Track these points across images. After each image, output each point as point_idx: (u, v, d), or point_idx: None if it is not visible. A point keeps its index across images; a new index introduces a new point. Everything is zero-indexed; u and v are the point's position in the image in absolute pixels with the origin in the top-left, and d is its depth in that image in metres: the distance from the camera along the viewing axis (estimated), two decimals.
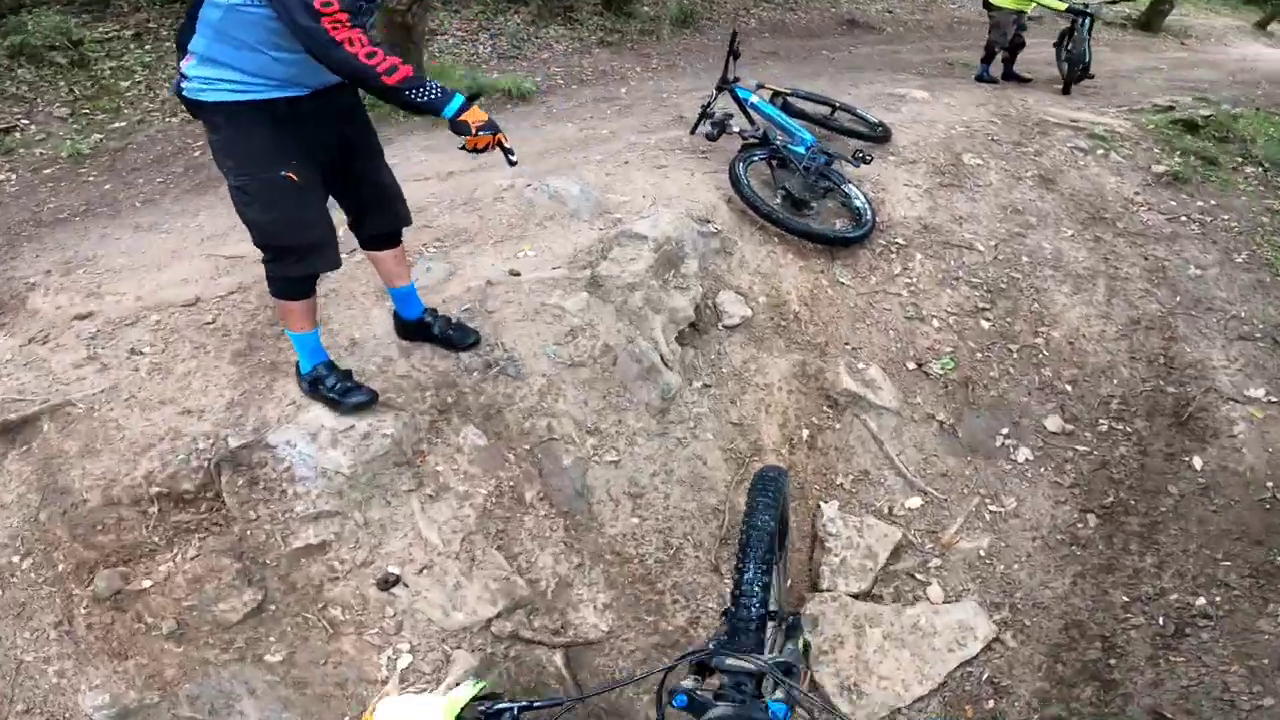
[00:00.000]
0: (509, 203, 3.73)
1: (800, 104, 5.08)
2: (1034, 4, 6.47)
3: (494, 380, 2.64)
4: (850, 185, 4.09)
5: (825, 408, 3.18)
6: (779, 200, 4.02)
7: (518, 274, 3.16)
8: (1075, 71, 6.55)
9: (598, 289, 3.09)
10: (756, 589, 1.68)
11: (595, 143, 5.19)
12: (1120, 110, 5.68)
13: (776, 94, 4.94)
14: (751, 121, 4.61)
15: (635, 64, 7.51)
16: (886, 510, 2.96)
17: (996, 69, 7.01)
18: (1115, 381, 3.15)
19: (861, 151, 4.13)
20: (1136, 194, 4.24)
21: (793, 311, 3.46)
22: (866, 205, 3.94)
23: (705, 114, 4.83)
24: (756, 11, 10.29)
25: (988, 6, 6.81)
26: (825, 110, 5.13)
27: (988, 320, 3.52)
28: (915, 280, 3.67)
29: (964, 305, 3.57)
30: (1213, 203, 4.17)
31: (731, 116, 4.56)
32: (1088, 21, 6.51)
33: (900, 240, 3.88)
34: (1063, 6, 6.36)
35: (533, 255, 3.33)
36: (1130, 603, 2.70)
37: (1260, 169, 4.77)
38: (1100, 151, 4.70)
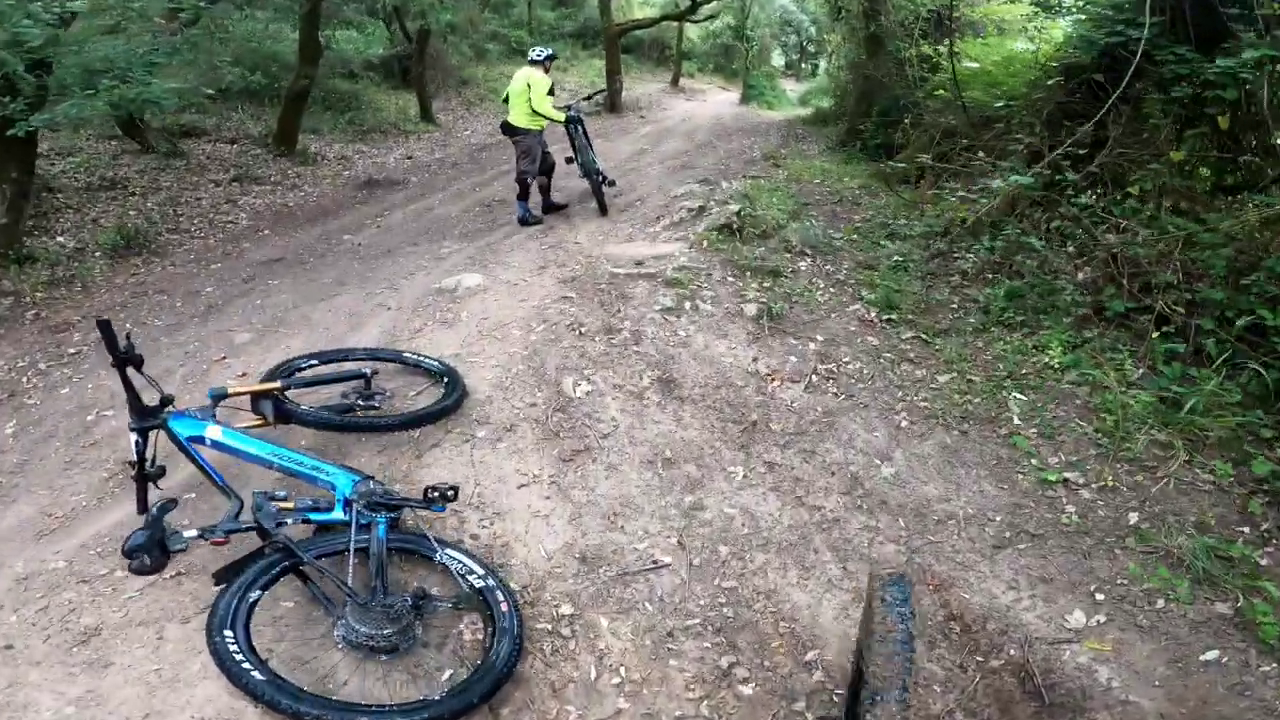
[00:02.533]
0: None
1: (308, 397, 3.06)
2: (543, 120, 5.64)
3: None
4: (450, 551, 2.30)
5: None
6: (342, 656, 2.01)
7: None
8: (598, 184, 5.91)
9: None
10: None
11: None
12: (668, 230, 5.16)
13: (264, 393, 2.83)
14: (224, 487, 2.38)
15: (37, 352, 4.41)
16: None
17: (536, 203, 6.09)
18: (941, 687, 2.09)
19: (437, 488, 2.28)
20: (755, 359, 3.45)
21: None
22: (493, 583, 2.20)
23: (143, 475, 2.47)
24: (246, 200, 7.72)
25: (510, 131, 5.71)
26: (358, 380, 3.24)
27: (745, 682, 2.13)
28: (625, 671, 2.05)
29: (705, 674, 2.08)
30: (819, 339, 3.62)
31: (172, 508, 2.32)
32: (579, 127, 6.04)
33: (566, 609, 2.23)
34: (562, 118, 5.65)
35: None
36: None
37: (808, 257, 4.62)
38: (688, 305, 3.88)
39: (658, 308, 3.79)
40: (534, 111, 5.48)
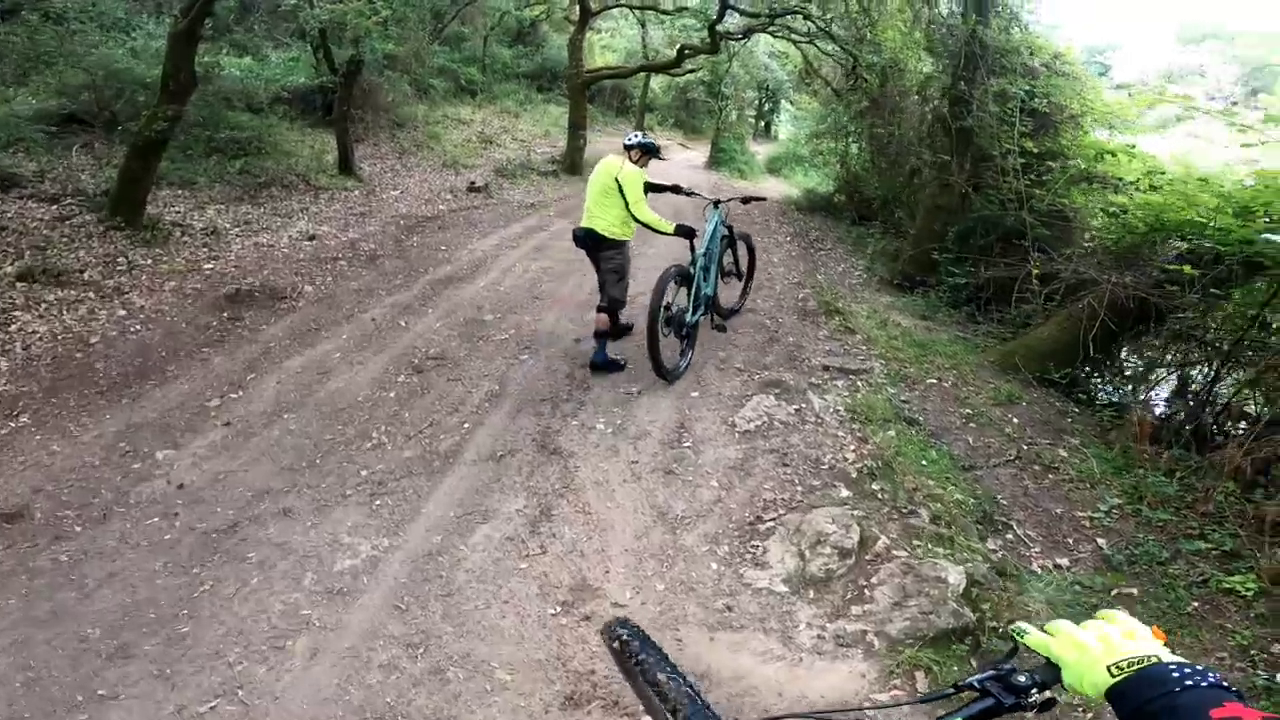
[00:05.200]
0: None
1: None
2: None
3: None
4: None
5: None
6: None
7: None
8: (691, 329, 4.14)
9: None
10: None
11: None
12: (803, 599, 2.55)
13: None
14: None
15: None
16: None
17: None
18: None
19: None
20: None
21: None
22: None
23: None
24: (25, 323, 4.39)
25: (591, 244, 4.04)
26: None
27: None
28: None
29: None
30: None
31: None
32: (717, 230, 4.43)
33: None
34: (670, 229, 3.98)
35: None
36: None
37: None
38: None
39: None
40: (631, 218, 3.95)
